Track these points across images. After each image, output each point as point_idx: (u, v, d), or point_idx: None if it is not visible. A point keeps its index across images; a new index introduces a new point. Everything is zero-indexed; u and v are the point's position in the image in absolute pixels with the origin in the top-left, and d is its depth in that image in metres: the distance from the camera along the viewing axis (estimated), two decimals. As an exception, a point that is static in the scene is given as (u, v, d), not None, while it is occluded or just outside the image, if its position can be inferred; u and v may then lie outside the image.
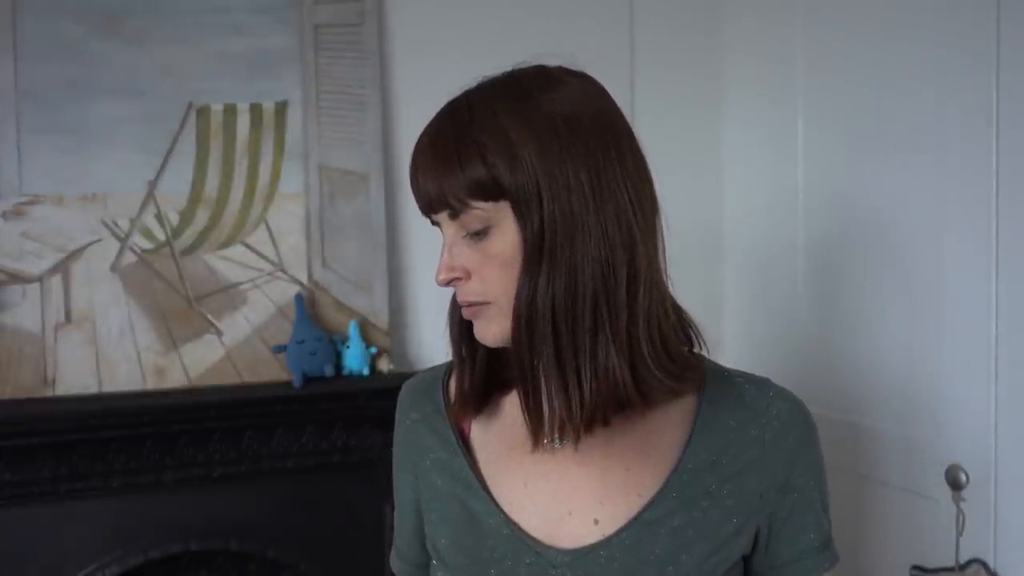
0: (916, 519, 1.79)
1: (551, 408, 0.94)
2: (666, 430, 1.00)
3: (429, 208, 0.97)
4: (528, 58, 1.01)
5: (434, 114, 0.98)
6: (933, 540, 1.73)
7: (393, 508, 1.15)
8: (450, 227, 0.96)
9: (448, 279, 0.97)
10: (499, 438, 1.04)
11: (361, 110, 2.08)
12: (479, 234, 0.94)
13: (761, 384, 1.03)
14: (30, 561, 1.83)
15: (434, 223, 0.98)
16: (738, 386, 1.01)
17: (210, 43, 2.00)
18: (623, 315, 0.93)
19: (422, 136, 0.97)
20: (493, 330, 0.96)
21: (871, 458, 1.90)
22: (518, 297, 0.93)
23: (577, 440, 0.96)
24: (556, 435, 0.97)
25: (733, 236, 2.32)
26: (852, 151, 1.94)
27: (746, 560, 1.02)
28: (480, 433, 1.06)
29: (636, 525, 0.97)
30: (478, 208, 0.93)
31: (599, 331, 0.92)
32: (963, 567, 1.66)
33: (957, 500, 1.67)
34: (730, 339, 2.27)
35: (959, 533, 1.66)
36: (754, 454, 0.99)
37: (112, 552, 1.87)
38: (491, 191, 0.92)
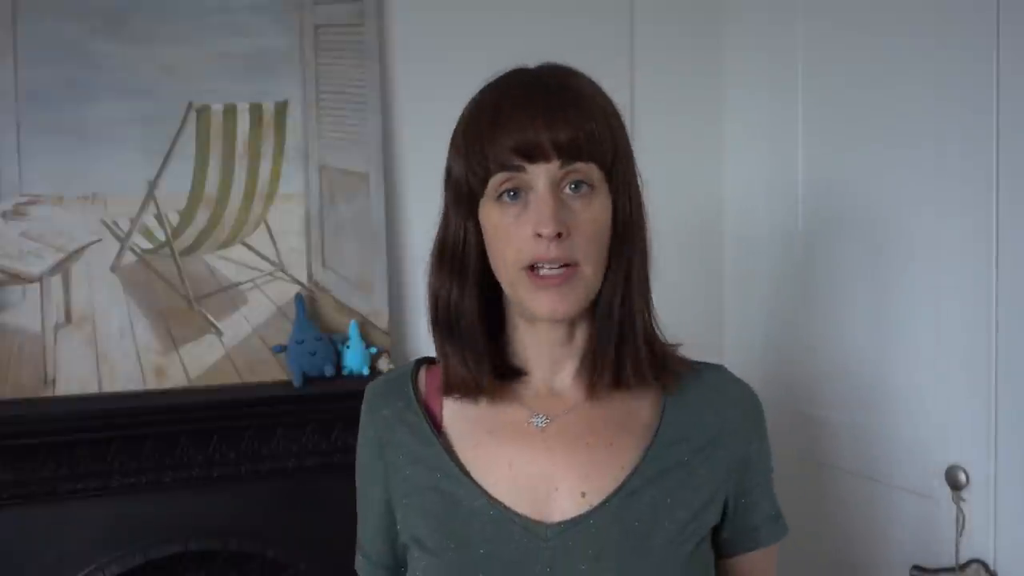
0: (916, 519, 1.79)
1: (612, 363, 1.04)
2: (641, 410, 1.08)
3: (540, 155, 0.96)
4: (528, 58, 1.01)
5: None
6: (933, 540, 1.73)
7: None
8: (550, 180, 0.97)
9: (556, 231, 0.97)
10: (476, 425, 1.08)
11: (361, 110, 2.08)
12: (585, 192, 0.98)
13: (718, 369, 1.14)
14: (30, 561, 1.83)
15: (513, 168, 0.97)
16: (698, 371, 1.11)
17: (210, 43, 2.00)
18: (650, 294, 1.07)
19: (520, 88, 1.00)
20: (573, 298, 1.00)
21: (871, 458, 1.90)
22: (614, 274, 1.02)
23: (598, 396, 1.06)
24: (593, 391, 1.05)
25: (734, 232, 2.32)
26: (853, 147, 1.94)
27: (714, 531, 1.10)
28: (455, 421, 1.09)
29: (621, 494, 1.03)
30: (591, 165, 0.98)
31: (647, 310, 1.06)
32: (963, 567, 1.66)
33: (957, 500, 1.67)
34: (730, 340, 2.27)
35: (959, 533, 1.66)
36: (717, 431, 1.08)
37: (112, 552, 1.87)
38: (607, 154, 0.99)
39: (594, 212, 0.99)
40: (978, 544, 1.66)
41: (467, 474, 1.05)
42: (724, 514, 1.10)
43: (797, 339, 2.09)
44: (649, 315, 1.07)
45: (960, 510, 1.66)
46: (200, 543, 1.92)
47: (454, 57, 2.03)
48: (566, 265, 0.98)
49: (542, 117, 0.96)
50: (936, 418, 1.75)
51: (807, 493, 1.99)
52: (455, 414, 1.09)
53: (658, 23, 2.28)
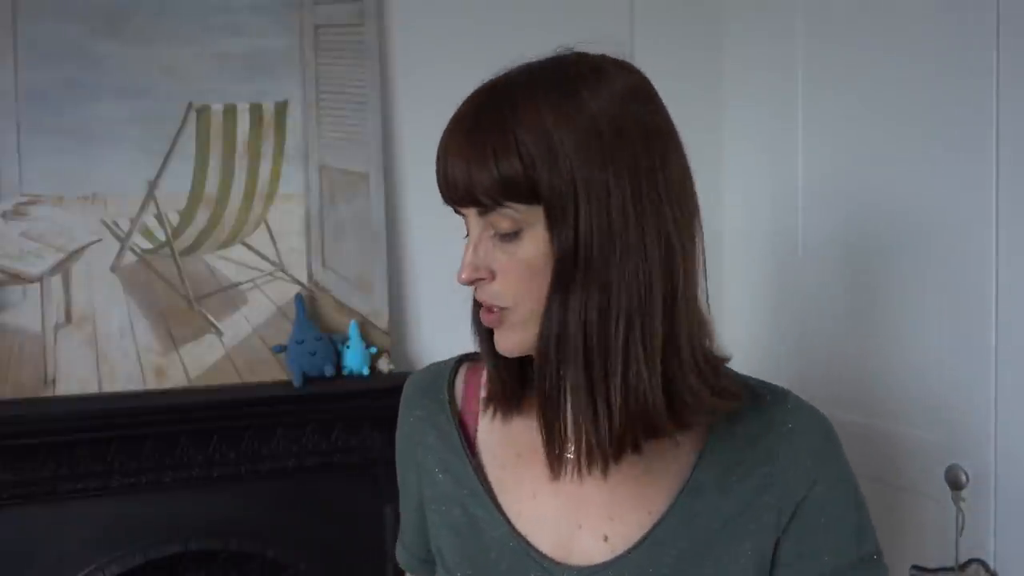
0: (916, 519, 1.79)
1: (577, 435, 0.88)
2: (680, 446, 0.94)
3: (455, 201, 0.90)
4: (529, 58, 0.99)
5: (459, 100, 0.92)
6: (933, 540, 1.73)
7: (392, 508, 1.15)
8: (477, 224, 0.90)
9: (472, 279, 0.91)
10: (507, 443, 1.01)
11: (361, 110, 2.08)
12: (508, 236, 0.89)
13: (779, 395, 0.98)
14: (30, 561, 1.83)
15: (458, 212, 0.92)
16: (756, 397, 0.97)
17: (210, 43, 2.00)
18: (658, 338, 0.87)
19: (455, 120, 0.91)
20: (514, 339, 0.91)
21: (871, 458, 1.90)
22: (548, 314, 0.87)
23: (606, 469, 0.89)
24: (584, 463, 0.88)
25: (733, 239, 2.32)
26: (853, 157, 1.93)
27: None
28: (487, 436, 1.02)
29: (647, 544, 0.94)
30: (510, 208, 0.87)
31: (631, 354, 0.86)
32: (963, 567, 1.66)
33: (957, 500, 1.67)
34: (729, 341, 2.27)
35: (959, 533, 1.66)
36: (768, 469, 0.94)
37: (112, 552, 1.87)
38: (525, 193, 0.86)
39: (523, 253, 0.88)
40: (978, 544, 1.66)
41: (492, 497, 0.99)
42: (775, 561, 0.94)
43: (796, 341, 2.09)
44: (651, 348, 0.87)
45: (960, 510, 1.66)
46: (200, 543, 1.92)
47: (454, 57, 2.03)
48: (500, 307, 0.91)
49: (461, 163, 0.88)
50: (936, 418, 1.75)
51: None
52: (488, 426, 1.02)
53: (658, 32, 2.27)
